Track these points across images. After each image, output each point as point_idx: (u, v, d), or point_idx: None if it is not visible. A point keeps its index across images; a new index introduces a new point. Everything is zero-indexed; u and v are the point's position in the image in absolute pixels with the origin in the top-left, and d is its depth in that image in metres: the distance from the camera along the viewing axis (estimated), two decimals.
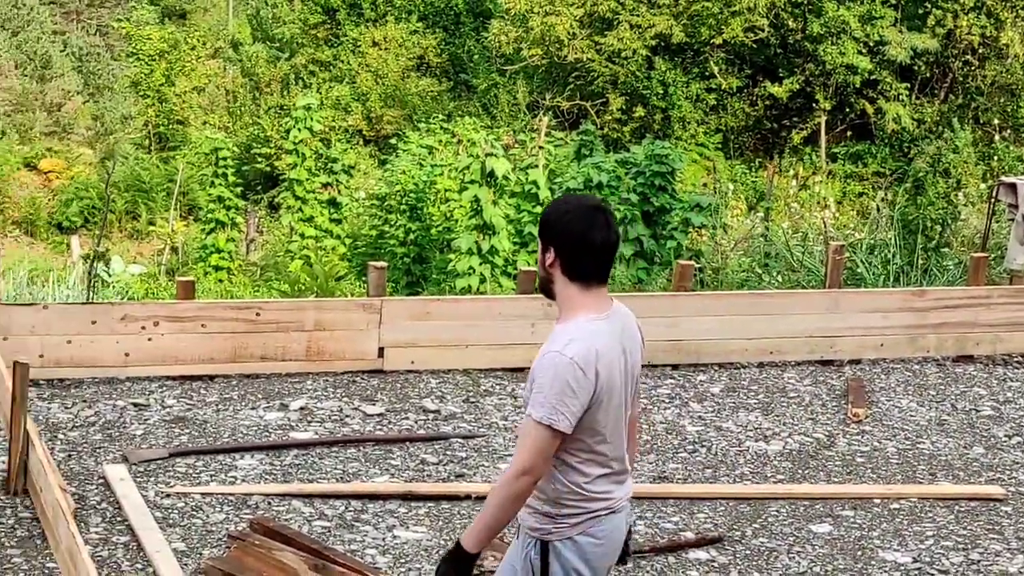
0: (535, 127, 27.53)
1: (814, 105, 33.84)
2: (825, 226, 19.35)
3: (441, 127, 29.89)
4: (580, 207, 5.03)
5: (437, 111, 32.97)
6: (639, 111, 33.66)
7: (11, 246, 26.04)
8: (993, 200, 15.58)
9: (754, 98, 34.61)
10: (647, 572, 7.86)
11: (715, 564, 8.02)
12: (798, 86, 33.62)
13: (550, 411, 4.88)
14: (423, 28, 38.61)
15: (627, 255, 20.41)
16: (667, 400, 10.98)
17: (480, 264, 20.37)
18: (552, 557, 5.08)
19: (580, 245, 4.97)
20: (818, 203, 25.66)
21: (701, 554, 8.14)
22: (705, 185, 29.28)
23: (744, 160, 34.12)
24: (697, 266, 15.27)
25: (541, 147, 23.38)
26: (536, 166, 21.98)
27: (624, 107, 33.82)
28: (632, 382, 5.18)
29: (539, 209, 21.22)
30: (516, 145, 25.79)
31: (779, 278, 15.95)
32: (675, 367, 11.73)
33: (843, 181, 32.37)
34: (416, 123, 31.84)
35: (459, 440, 9.87)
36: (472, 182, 21.20)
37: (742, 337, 11.98)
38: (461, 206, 22.84)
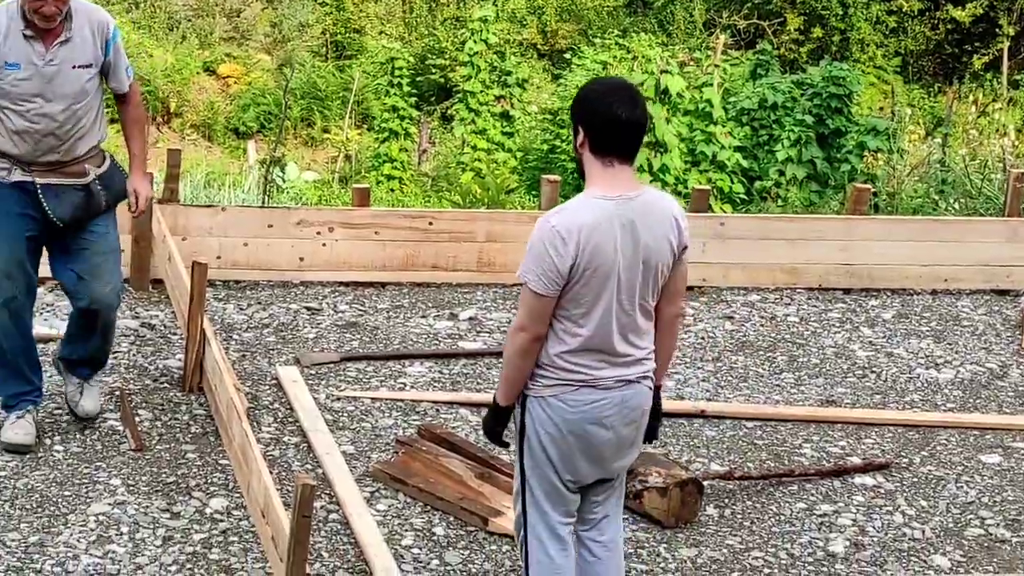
0: (711, 45, 27.23)
1: (997, 31, 33.03)
2: (1004, 154, 18.99)
3: (616, 43, 29.62)
4: (606, 85, 5.36)
5: (612, 26, 32.67)
6: (817, 32, 33.11)
7: (189, 149, 26.42)
8: None
9: (935, 22, 33.86)
10: (812, 495, 7.84)
11: (881, 490, 7.97)
12: (981, 11, 32.83)
13: (526, 271, 5.22)
14: None
15: (800, 177, 20.23)
16: (837, 324, 10.88)
17: (651, 182, 20.27)
18: (527, 410, 5.43)
19: (604, 119, 5.22)
20: (997, 131, 25.14)
21: (867, 480, 8.09)
22: (882, 109, 28.79)
23: (923, 85, 33.46)
24: (872, 190, 15.09)
25: (716, 65, 23.14)
26: (711, 85, 21.77)
27: (802, 27, 33.28)
28: (648, 272, 5.31)
29: (712, 128, 21.07)
30: (691, 63, 25.52)
31: (955, 205, 15.69)
32: (847, 291, 11.62)
33: None
34: (591, 38, 31.59)
35: None
36: (645, 99, 21.07)
37: (916, 263, 11.81)
38: None
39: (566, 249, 5.14)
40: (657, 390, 5.59)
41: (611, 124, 5.21)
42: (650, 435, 5.67)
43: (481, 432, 8.26)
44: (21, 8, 7.23)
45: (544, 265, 5.16)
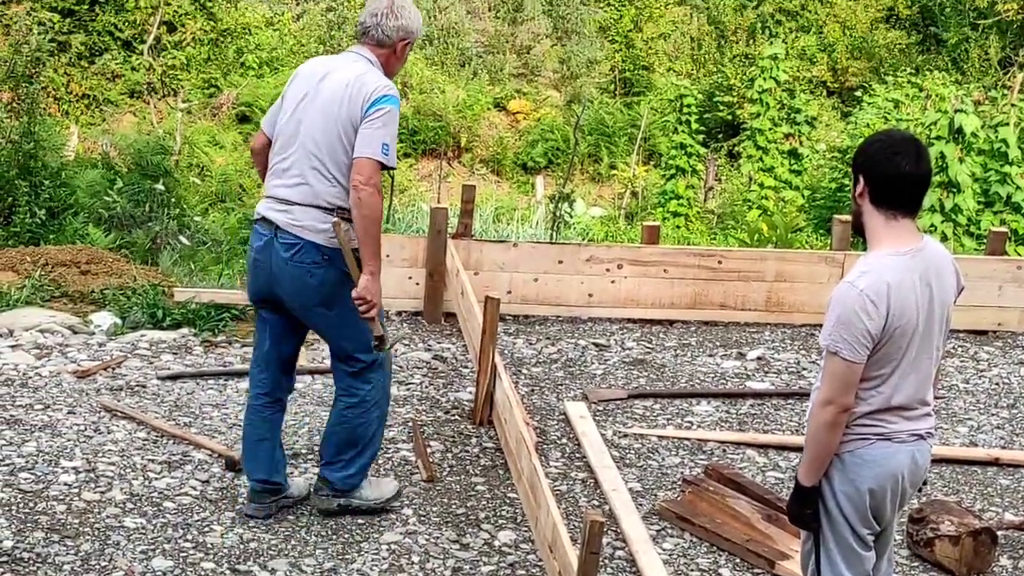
0: (1007, 84, 26.65)
1: None
2: None
3: (908, 81, 29.23)
4: (892, 138, 5.20)
5: (904, 64, 32.24)
6: None
7: (478, 183, 26.79)
8: None
9: None
10: None
11: None
12: None
13: (837, 340, 5.04)
14: None
15: None
16: None
17: (942, 222, 19.91)
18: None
19: (887, 172, 5.10)
20: None
21: None
22: None
23: None
24: None
25: (1013, 105, 22.62)
26: (1007, 124, 21.29)
27: None
28: (939, 322, 5.22)
29: (1008, 168, 20.61)
30: (986, 101, 25.02)
31: None
32: None
33: None
34: (882, 76, 31.22)
35: None
36: (938, 138, 20.70)
37: None
38: None
39: (878, 312, 5.02)
40: None
41: (894, 179, 5.11)
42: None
43: (768, 474, 8.23)
44: None
45: (855, 331, 5.02)
